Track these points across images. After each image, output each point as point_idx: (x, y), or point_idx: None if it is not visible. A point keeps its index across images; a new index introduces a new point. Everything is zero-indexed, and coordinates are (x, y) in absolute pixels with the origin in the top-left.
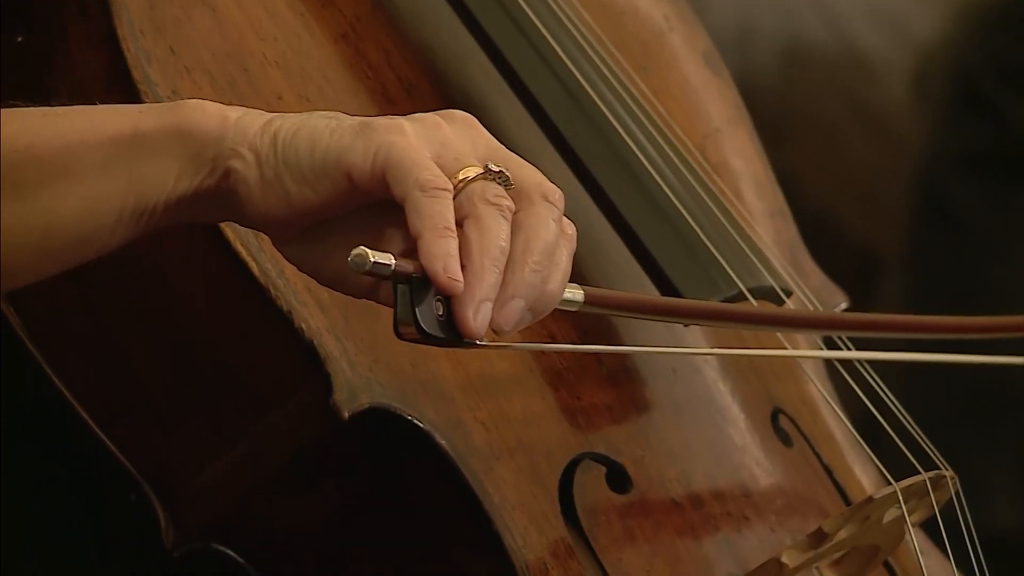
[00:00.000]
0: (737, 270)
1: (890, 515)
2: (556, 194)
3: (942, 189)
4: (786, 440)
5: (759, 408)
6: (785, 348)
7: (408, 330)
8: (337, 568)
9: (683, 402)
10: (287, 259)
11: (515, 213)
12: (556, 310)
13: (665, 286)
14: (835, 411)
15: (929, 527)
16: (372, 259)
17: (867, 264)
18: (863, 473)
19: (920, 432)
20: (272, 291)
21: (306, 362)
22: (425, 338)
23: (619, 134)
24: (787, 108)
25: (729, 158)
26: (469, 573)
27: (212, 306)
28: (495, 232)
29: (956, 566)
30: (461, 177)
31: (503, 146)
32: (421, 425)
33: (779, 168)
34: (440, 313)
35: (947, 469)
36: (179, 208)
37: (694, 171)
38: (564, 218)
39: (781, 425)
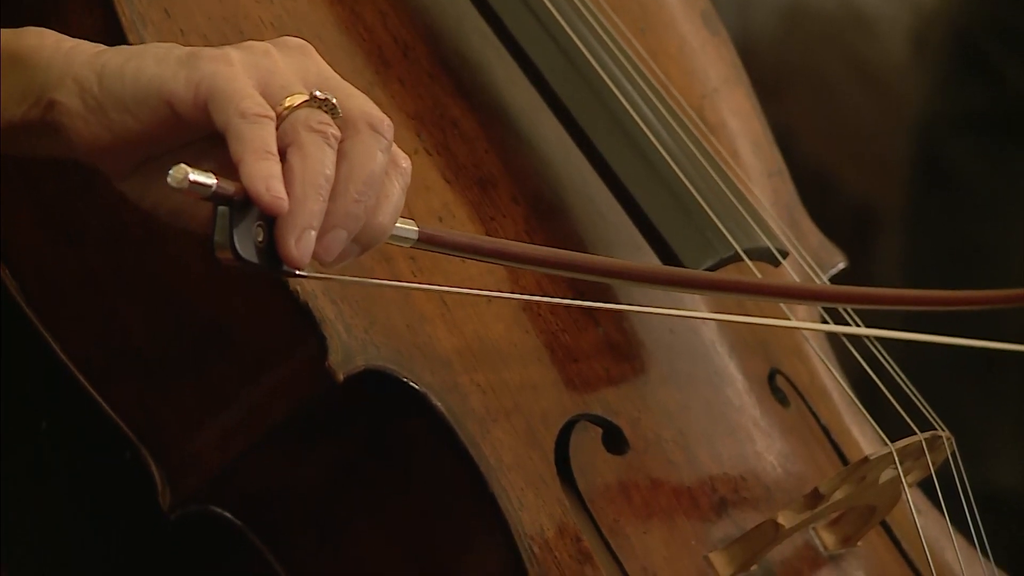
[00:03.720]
0: (733, 231)
1: (886, 476)
2: (384, 124)
3: (940, 148)
4: (783, 400)
5: (756, 368)
6: (784, 314)
7: (224, 254)
8: (335, 530)
9: (680, 363)
10: (128, 197)
11: (341, 142)
12: (413, 248)
13: (661, 247)
14: (832, 372)
15: (926, 487)
16: (191, 176)
17: (864, 223)
18: (860, 433)
19: (917, 392)
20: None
21: (301, 324)
22: (242, 263)
23: (616, 96)
24: (785, 67)
25: (727, 118)
26: (466, 535)
27: (207, 269)
28: (318, 159)
29: (952, 526)
30: (286, 105)
31: (337, 75)
32: (417, 388)
33: (777, 127)
34: (260, 239)
35: (943, 429)
36: (10, 137)
37: (690, 132)
38: (398, 151)
39: (778, 385)
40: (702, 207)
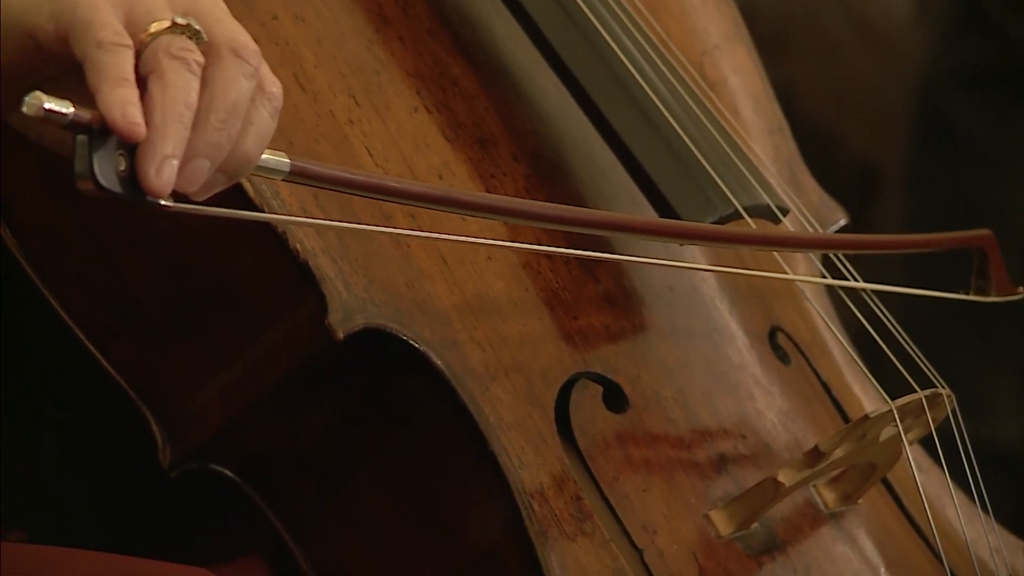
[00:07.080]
0: (733, 188)
1: (887, 433)
2: (249, 49)
3: (942, 105)
4: (784, 358)
5: (757, 326)
6: (781, 267)
7: (86, 184)
8: (335, 488)
9: (680, 320)
10: (15, 127)
11: (205, 69)
12: (287, 181)
13: (661, 205)
14: (832, 329)
15: (927, 444)
16: (45, 104)
17: (867, 180)
18: (861, 391)
19: (917, 350)
20: (267, 212)
21: (301, 283)
22: (104, 193)
23: (615, 52)
24: (787, 23)
25: (727, 75)
26: (466, 492)
27: (207, 227)
28: (179, 86)
29: (953, 482)
30: (150, 31)
31: (218, 1)
32: (417, 346)
33: (778, 84)
34: (123, 169)
35: (944, 387)
36: None
37: (691, 89)
38: (270, 75)
39: (779, 343)
40: (702, 164)
